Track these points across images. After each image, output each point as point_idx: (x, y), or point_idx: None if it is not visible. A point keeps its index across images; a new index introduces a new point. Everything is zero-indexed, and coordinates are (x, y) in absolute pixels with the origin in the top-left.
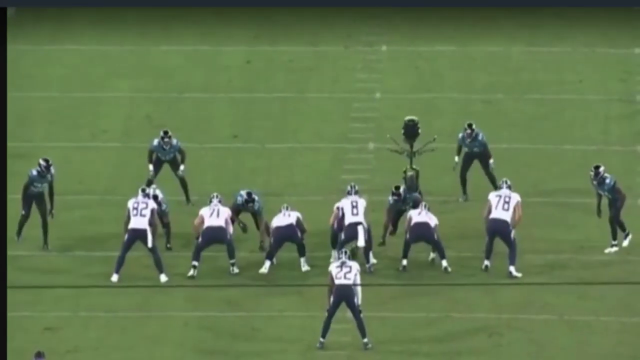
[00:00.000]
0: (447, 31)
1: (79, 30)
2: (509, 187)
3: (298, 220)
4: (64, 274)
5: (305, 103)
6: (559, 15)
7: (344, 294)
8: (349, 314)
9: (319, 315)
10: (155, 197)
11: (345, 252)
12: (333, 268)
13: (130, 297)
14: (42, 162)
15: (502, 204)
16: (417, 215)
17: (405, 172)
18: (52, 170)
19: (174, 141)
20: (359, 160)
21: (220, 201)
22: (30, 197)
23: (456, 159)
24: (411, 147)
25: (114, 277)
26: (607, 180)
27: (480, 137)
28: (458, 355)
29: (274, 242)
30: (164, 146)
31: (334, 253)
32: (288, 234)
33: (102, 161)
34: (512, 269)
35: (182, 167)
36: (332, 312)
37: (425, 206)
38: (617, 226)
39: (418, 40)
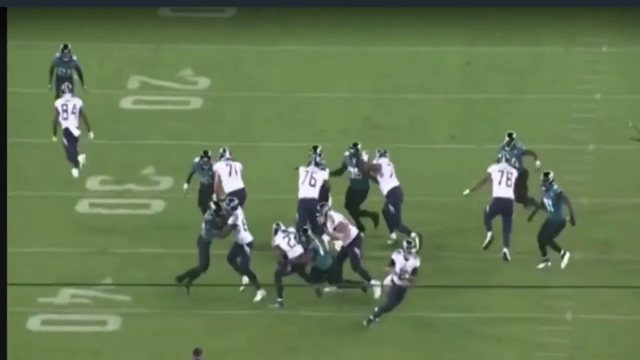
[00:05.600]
0: None
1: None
2: (508, 161)
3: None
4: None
5: (523, 104)
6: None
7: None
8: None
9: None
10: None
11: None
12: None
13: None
14: (62, 47)
15: (505, 180)
16: (390, 178)
17: None
18: (74, 57)
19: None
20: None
21: (230, 154)
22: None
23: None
24: None
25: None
26: (555, 187)
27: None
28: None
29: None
30: (203, 166)
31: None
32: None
33: None
34: (505, 250)
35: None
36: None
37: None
38: (549, 246)
39: None
